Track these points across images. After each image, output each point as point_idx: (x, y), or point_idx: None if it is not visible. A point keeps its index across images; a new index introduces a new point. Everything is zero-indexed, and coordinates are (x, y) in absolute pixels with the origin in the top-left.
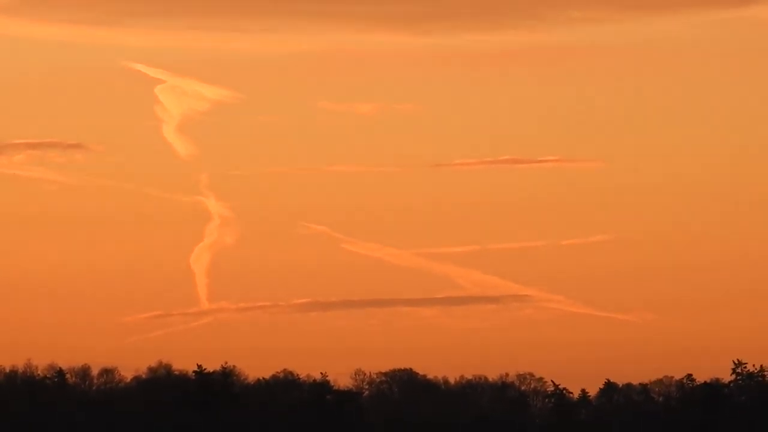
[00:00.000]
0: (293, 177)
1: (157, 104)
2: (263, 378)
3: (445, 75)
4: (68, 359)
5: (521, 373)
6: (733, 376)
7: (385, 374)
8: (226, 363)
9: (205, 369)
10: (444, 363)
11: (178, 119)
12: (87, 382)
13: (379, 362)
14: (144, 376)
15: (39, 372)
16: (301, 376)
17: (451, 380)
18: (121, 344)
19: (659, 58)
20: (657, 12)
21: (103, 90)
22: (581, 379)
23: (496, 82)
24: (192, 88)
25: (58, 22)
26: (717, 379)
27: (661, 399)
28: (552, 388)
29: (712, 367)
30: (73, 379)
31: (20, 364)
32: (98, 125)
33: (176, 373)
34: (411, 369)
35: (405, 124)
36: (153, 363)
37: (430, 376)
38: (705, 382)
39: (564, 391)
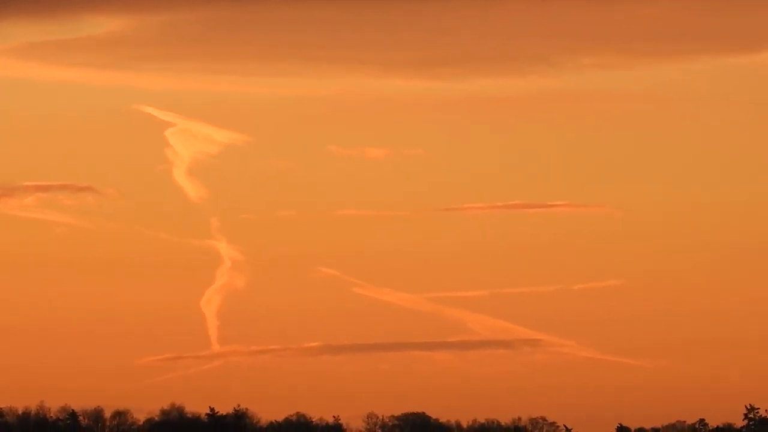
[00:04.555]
0: (304, 220)
1: (168, 147)
2: (276, 420)
3: (456, 120)
4: (81, 401)
5: (534, 417)
6: (746, 421)
7: (398, 418)
8: (238, 406)
9: (217, 411)
10: (457, 407)
11: (188, 162)
12: (100, 425)
13: (392, 406)
14: (157, 418)
15: (52, 414)
16: (313, 419)
17: (464, 424)
18: (134, 387)
19: (670, 104)
20: (667, 58)
21: (113, 133)
22: (594, 423)
23: (506, 127)
24: (202, 131)
25: (69, 65)
26: (729, 424)
27: None
28: None
29: (725, 411)
30: (86, 421)
31: (33, 406)
32: (109, 168)
33: (189, 415)
34: (424, 413)
35: (415, 169)
36: (165, 405)
37: (443, 419)
38: (717, 426)
39: None
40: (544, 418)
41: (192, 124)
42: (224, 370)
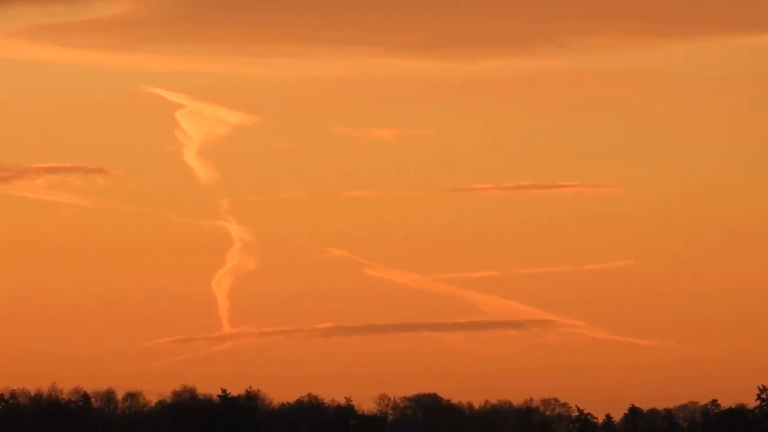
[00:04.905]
0: (313, 202)
1: (178, 129)
2: (288, 402)
3: (464, 100)
4: (93, 383)
5: (546, 398)
6: (758, 402)
7: (410, 399)
8: (250, 387)
9: (229, 393)
10: (468, 388)
11: (198, 144)
12: (112, 406)
13: (404, 387)
14: (168, 400)
15: (64, 396)
16: (325, 401)
17: (476, 405)
18: (145, 368)
19: (679, 85)
20: (675, 39)
21: (123, 115)
22: (606, 404)
23: (515, 107)
24: (212, 112)
25: (79, 47)
26: (742, 405)
27: (685, 424)
28: (576, 413)
29: (737, 392)
30: (98, 403)
31: (45, 388)
32: (119, 150)
33: (201, 397)
34: (436, 394)
35: (423, 150)
36: (177, 387)
37: (455, 400)
38: (730, 407)
39: (588, 416)
40: (556, 399)
41: (202, 106)
42: (236, 352)
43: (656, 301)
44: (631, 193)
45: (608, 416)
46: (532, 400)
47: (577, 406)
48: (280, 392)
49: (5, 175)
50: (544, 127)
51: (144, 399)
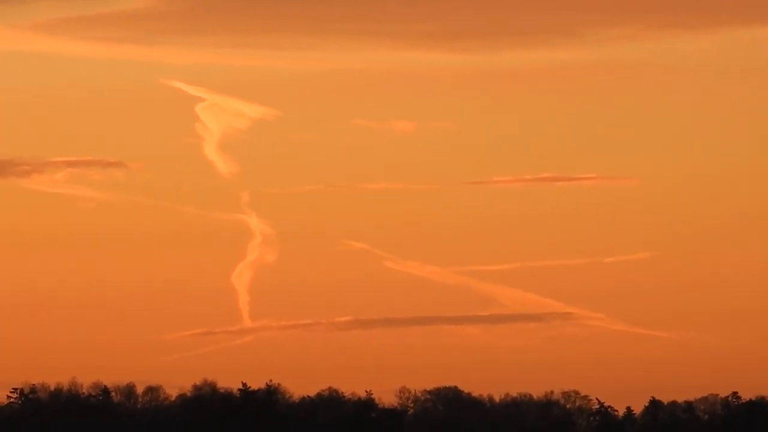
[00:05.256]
0: (333, 194)
1: (198, 122)
2: (308, 396)
3: (483, 93)
4: (113, 377)
5: (566, 390)
6: None
7: (430, 392)
8: (270, 381)
9: (249, 387)
10: (488, 380)
11: (218, 137)
12: (132, 400)
13: (424, 380)
14: (189, 393)
15: (84, 390)
16: (345, 394)
17: (496, 398)
18: (165, 362)
19: (698, 76)
20: (693, 30)
21: (143, 108)
22: (626, 396)
23: (533, 99)
24: (232, 106)
25: (98, 40)
26: (762, 397)
27: (706, 417)
28: (597, 406)
29: (758, 384)
30: (118, 397)
31: (65, 383)
32: (138, 143)
33: (221, 390)
34: (456, 387)
35: (443, 142)
36: (197, 381)
37: (475, 393)
38: (750, 399)
39: (609, 409)
40: (576, 392)
41: (221, 99)
42: (256, 345)
43: (676, 293)
44: (650, 185)
45: (629, 408)
46: (552, 392)
47: (597, 398)
48: (300, 386)
49: (24, 169)
50: (563, 119)
51: (164, 393)
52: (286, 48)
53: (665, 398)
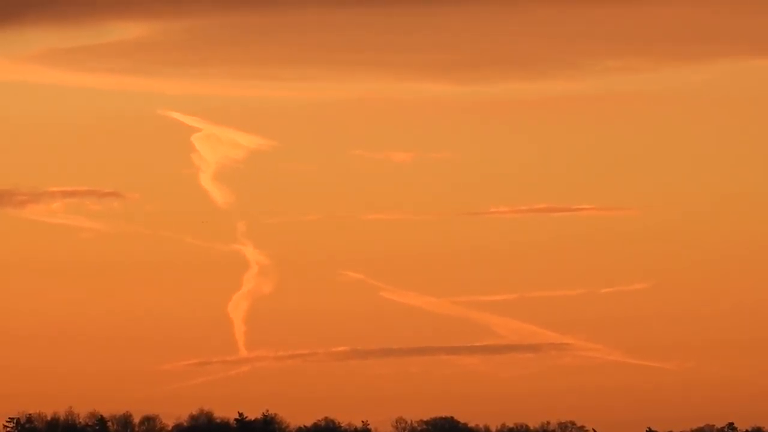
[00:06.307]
0: (330, 225)
1: (194, 152)
2: (305, 426)
3: (481, 123)
4: (109, 407)
5: (563, 421)
6: None
7: (427, 422)
8: (267, 410)
9: (246, 416)
10: (485, 411)
11: (214, 167)
12: (129, 430)
13: (420, 410)
14: (185, 423)
15: (80, 420)
16: (342, 424)
17: (493, 428)
18: (162, 392)
19: (695, 107)
20: (692, 61)
21: (139, 138)
22: (622, 427)
23: (531, 130)
24: (228, 136)
25: (95, 71)
26: (759, 428)
27: None
28: None
29: (755, 415)
30: (115, 426)
31: (62, 412)
32: (135, 173)
33: (217, 420)
34: (452, 417)
35: (441, 173)
36: (194, 410)
37: (472, 424)
38: (747, 430)
39: None
40: (572, 422)
41: (218, 129)
42: (252, 375)
43: (673, 324)
44: (648, 216)
45: None
46: (548, 423)
47: (594, 429)
48: (297, 416)
49: (21, 199)
50: (560, 149)
51: (161, 422)
52: (283, 78)
53: (662, 429)
